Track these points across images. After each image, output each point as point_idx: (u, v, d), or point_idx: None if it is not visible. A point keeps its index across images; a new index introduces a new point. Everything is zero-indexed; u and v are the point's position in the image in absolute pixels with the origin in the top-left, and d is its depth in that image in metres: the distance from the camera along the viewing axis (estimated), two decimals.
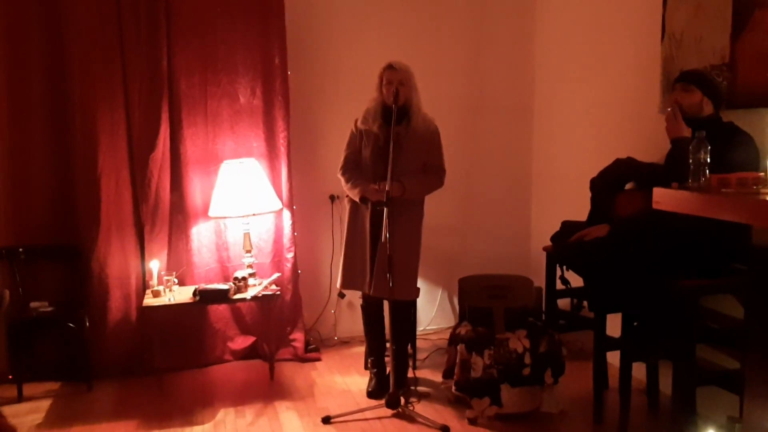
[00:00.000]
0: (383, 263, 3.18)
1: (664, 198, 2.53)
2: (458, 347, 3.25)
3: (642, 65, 3.55)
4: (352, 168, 3.47)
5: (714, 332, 2.89)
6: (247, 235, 3.89)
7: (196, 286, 3.76)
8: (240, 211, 3.81)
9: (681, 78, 2.91)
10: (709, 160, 2.43)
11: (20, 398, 3.57)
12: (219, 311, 4.06)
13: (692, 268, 2.74)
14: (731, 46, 2.94)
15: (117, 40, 3.79)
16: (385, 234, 3.14)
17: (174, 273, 3.81)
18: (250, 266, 3.88)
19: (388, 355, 3.57)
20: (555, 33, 4.45)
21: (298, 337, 4.15)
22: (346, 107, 3.77)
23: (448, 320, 4.56)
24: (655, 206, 2.56)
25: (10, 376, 3.68)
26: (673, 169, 2.73)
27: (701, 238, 2.67)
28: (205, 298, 3.66)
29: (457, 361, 3.25)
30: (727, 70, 2.90)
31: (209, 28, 3.92)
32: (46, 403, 3.53)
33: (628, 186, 3.39)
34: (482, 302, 3.32)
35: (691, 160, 2.46)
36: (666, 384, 3.16)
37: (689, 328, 2.79)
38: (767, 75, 2.79)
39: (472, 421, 3.18)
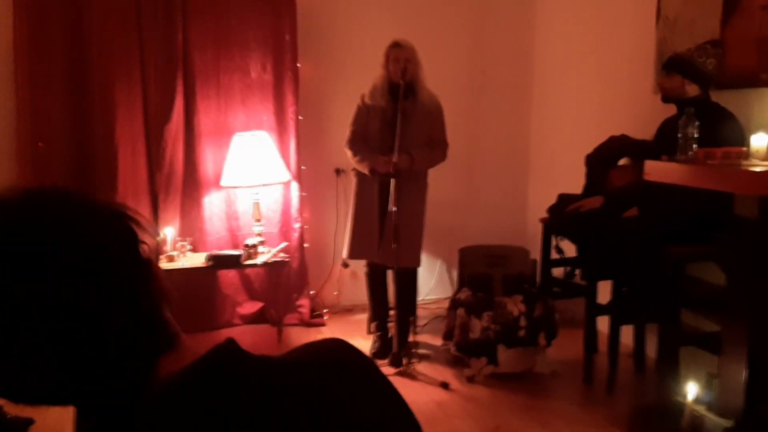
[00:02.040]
0: (390, 232, 3.38)
1: (654, 170, 2.73)
2: (458, 311, 3.46)
3: (637, 47, 3.73)
4: (359, 141, 3.65)
5: (695, 298, 3.11)
6: (256, 205, 4.07)
7: (208, 252, 3.94)
8: (250, 182, 3.99)
9: (663, 65, 3.11)
10: (696, 135, 2.63)
11: None
12: (229, 277, 4.25)
13: (679, 237, 2.94)
14: (721, 30, 3.13)
15: (134, 16, 3.93)
16: (392, 204, 3.33)
17: (188, 239, 3.99)
18: (259, 234, 4.07)
19: (390, 321, 3.78)
20: (555, 15, 4.62)
21: (304, 303, 4.36)
22: (352, 83, 3.94)
23: (446, 291, 4.75)
24: (646, 177, 2.76)
25: None
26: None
27: (687, 208, 2.87)
28: (218, 263, 3.85)
29: (457, 323, 3.45)
30: (712, 48, 3.07)
31: (223, 4, 4.07)
32: None
33: (621, 162, 3.59)
34: (481, 269, 3.52)
35: (680, 135, 2.66)
36: (652, 348, 3.38)
37: (675, 292, 3.01)
38: (753, 58, 2.98)
39: (470, 379, 3.39)
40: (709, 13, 3.19)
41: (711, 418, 2.55)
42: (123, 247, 0.70)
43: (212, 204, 4.20)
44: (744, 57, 3.02)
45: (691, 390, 2.61)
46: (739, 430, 2.47)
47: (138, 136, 4.03)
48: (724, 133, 2.82)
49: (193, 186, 4.16)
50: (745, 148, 2.66)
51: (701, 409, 2.60)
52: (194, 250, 4.09)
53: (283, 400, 0.74)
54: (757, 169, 2.41)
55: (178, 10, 3.98)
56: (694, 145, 2.61)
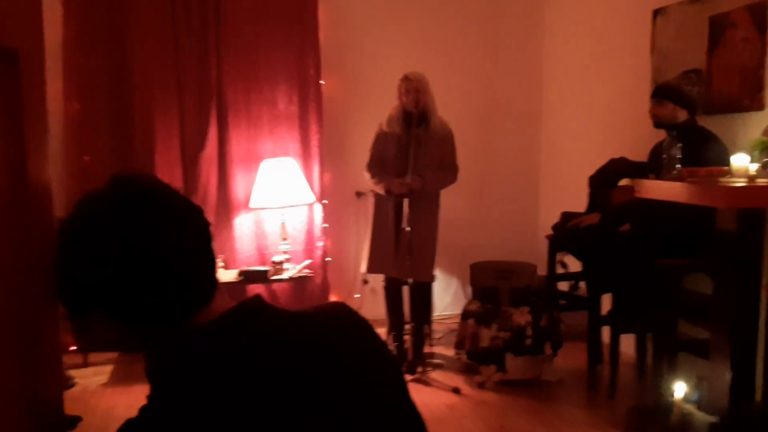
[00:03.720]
0: (405, 248, 3.67)
1: (643, 188, 3.00)
2: (468, 321, 3.72)
3: (635, 76, 4.01)
4: (377, 165, 3.96)
5: (688, 307, 3.33)
6: (283, 225, 4.39)
7: (239, 269, 4.27)
8: (277, 203, 4.32)
9: (653, 93, 3.36)
10: (680, 155, 2.89)
11: (85, 364, 4.09)
12: (257, 292, 4.54)
13: (670, 250, 3.18)
14: (707, 60, 3.40)
15: (173, 53, 4.33)
16: (406, 222, 3.63)
17: (220, 256, 4.32)
18: (285, 252, 4.38)
19: (406, 333, 4.04)
20: (561, 47, 4.94)
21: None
22: (370, 112, 4.27)
23: (460, 306, 4.99)
24: (636, 195, 3.03)
25: (72, 348, 4.20)
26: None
27: (676, 224, 3.11)
28: (248, 278, 4.17)
29: (468, 333, 3.71)
30: (695, 76, 3.34)
31: (253, 42, 4.46)
32: (108, 368, 4.05)
33: (622, 182, 3.84)
34: (490, 282, 3.79)
35: (664, 156, 2.92)
36: (651, 355, 3.59)
37: (671, 302, 3.23)
38: (736, 85, 3.24)
39: (480, 385, 3.64)
40: (697, 45, 3.46)
41: (699, 415, 2.77)
42: (197, 211, 1.00)
43: (242, 225, 4.54)
44: (728, 84, 3.28)
45: (681, 390, 2.83)
46: (723, 425, 2.68)
47: (175, 163, 4.39)
48: (709, 154, 3.07)
49: (225, 208, 4.51)
50: (727, 168, 2.91)
51: (691, 408, 2.82)
52: (225, 267, 4.41)
53: (300, 341, 1.00)
54: (734, 184, 2.66)
55: (212, 48, 4.37)
56: (678, 165, 2.87)
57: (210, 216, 4.40)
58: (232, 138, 4.49)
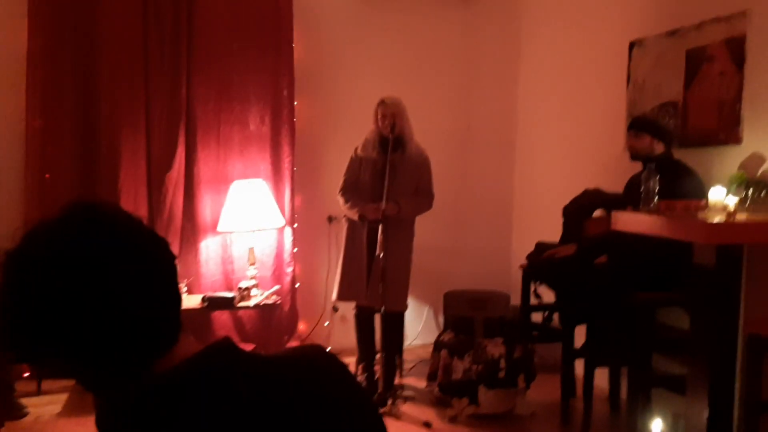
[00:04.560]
0: (378, 275, 3.57)
1: (621, 220, 2.95)
2: (441, 352, 3.62)
3: (611, 108, 4.01)
4: (351, 190, 3.87)
5: (665, 342, 3.29)
6: (251, 250, 4.27)
7: (203, 295, 4.12)
8: (246, 227, 4.20)
9: (631, 125, 3.34)
10: (658, 188, 2.86)
11: (39, 391, 3.88)
12: (222, 319, 4.40)
13: (646, 284, 3.14)
14: (684, 93, 3.40)
15: (142, 69, 4.21)
16: (380, 249, 3.54)
17: (185, 281, 4.17)
18: (253, 278, 4.25)
19: (376, 363, 3.93)
20: (536, 76, 4.93)
21: (294, 345, 4.50)
22: (345, 136, 4.20)
23: (433, 336, 4.87)
24: (613, 227, 2.99)
25: (26, 374, 3.99)
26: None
27: (653, 257, 3.07)
28: (212, 304, 4.02)
29: (440, 365, 3.61)
30: (673, 109, 3.34)
31: (225, 61, 4.36)
32: (63, 396, 3.85)
33: (596, 213, 3.81)
34: (464, 312, 3.71)
35: (642, 188, 2.89)
36: (626, 390, 3.54)
37: (646, 336, 3.19)
38: (713, 119, 3.24)
39: (452, 419, 3.53)
40: (674, 78, 3.47)
41: None
42: (161, 246, 0.89)
43: (209, 248, 4.39)
44: (704, 118, 3.28)
45: (657, 427, 2.77)
46: None
47: (140, 182, 4.25)
48: (685, 187, 3.05)
49: (191, 231, 4.37)
50: (704, 201, 2.89)
51: None
52: (189, 291, 4.26)
53: (272, 390, 0.91)
54: (714, 220, 2.63)
55: (183, 64, 4.26)
56: (656, 198, 2.83)
57: (175, 239, 4.30)
58: (201, 158, 4.36)
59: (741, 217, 2.66)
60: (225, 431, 0.83)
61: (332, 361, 1.00)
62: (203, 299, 4.04)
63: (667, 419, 2.84)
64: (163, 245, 0.89)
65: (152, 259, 0.87)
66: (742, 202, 2.75)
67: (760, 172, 2.93)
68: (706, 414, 2.70)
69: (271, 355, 0.99)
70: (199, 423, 0.82)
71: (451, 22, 4.99)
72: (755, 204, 2.80)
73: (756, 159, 2.96)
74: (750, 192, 2.82)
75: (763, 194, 2.81)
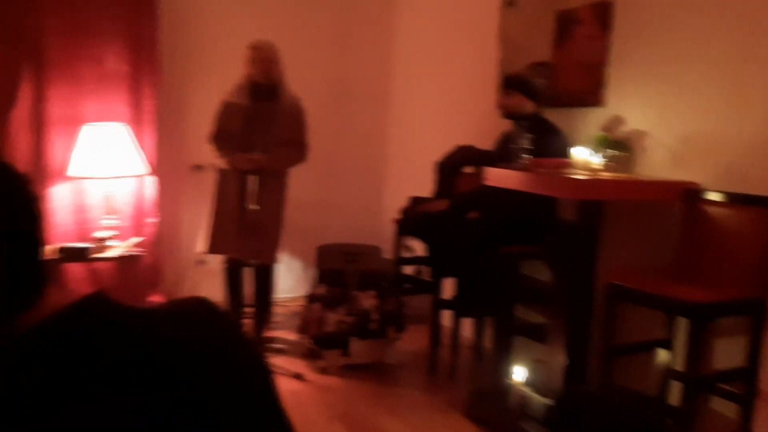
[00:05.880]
0: (250, 228, 3.44)
1: (492, 176, 3.04)
2: (314, 305, 3.59)
3: (482, 65, 4.08)
4: (221, 138, 3.67)
5: (527, 293, 3.46)
6: (108, 198, 3.96)
7: (58, 245, 3.78)
8: (100, 173, 3.87)
9: (504, 84, 3.43)
10: (527, 146, 2.96)
11: None
12: (75, 272, 4.08)
13: (514, 238, 3.27)
14: (553, 54, 3.52)
15: None
16: (253, 201, 3.40)
17: None
18: (111, 228, 3.95)
19: (246, 317, 3.83)
20: (411, 32, 4.92)
21: (156, 300, 4.28)
22: (216, 81, 3.96)
23: (304, 289, 4.85)
24: (484, 182, 3.06)
25: None
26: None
27: (521, 212, 3.20)
28: (68, 255, 3.70)
29: (313, 317, 3.58)
30: (543, 69, 3.46)
31: None
32: None
33: (467, 169, 3.90)
34: (338, 265, 3.68)
35: (513, 145, 2.97)
36: (489, 339, 3.71)
37: (509, 288, 3.34)
38: (579, 80, 3.39)
39: (324, 370, 3.54)
40: (544, 38, 3.57)
41: (536, 397, 2.87)
42: (24, 183, 0.76)
43: (60, 196, 4.02)
44: (572, 79, 3.42)
45: (519, 373, 2.93)
46: (558, 406, 2.80)
47: None
48: (553, 146, 3.17)
49: (39, 176, 3.97)
50: (569, 160, 3.03)
51: (528, 390, 2.92)
52: None
53: (149, 348, 0.81)
54: (578, 177, 2.77)
55: None
56: (526, 155, 2.93)
57: None
58: (50, 97, 3.94)
59: (604, 175, 2.82)
60: (101, 394, 0.73)
61: (218, 314, 0.91)
62: (59, 250, 3.70)
63: (528, 366, 3.00)
64: (23, 181, 0.76)
65: (12, 195, 0.74)
66: (603, 161, 2.91)
67: (620, 133, 3.11)
68: (564, 359, 2.89)
69: (152, 309, 0.89)
70: (69, 384, 0.71)
71: None
72: (615, 163, 2.98)
73: (617, 121, 3.14)
74: (611, 152, 2.99)
75: (622, 154, 3.00)
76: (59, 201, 4.02)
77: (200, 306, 0.91)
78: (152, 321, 0.84)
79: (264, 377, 0.94)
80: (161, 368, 0.78)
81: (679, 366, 2.75)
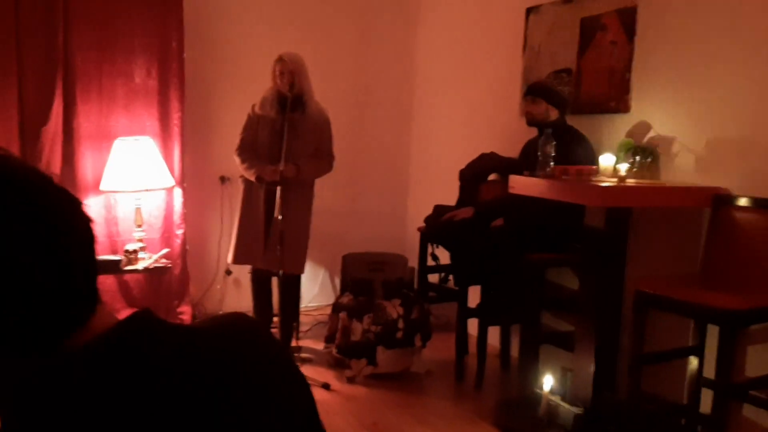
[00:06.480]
0: (276, 238, 3.48)
1: (517, 184, 3.03)
2: (340, 315, 3.61)
3: (507, 73, 4.08)
4: (248, 150, 3.71)
5: (554, 301, 3.45)
6: (138, 210, 4.03)
7: None
8: (131, 186, 3.95)
9: (528, 91, 3.42)
10: (553, 154, 2.95)
11: None
12: (106, 284, 4.15)
13: (540, 245, 3.26)
14: (578, 61, 3.51)
15: (12, 10, 3.79)
16: (278, 212, 3.44)
17: None
18: (140, 240, 4.02)
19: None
20: (434, 40, 4.94)
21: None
22: (241, 93, 4.01)
23: (329, 298, 4.88)
24: (510, 191, 3.06)
25: None
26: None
27: (547, 219, 3.19)
28: (100, 268, 3.75)
29: (339, 327, 3.60)
30: (567, 76, 3.45)
31: (107, 7, 4.02)
32: None
33: (491, 177, 3.91)
34: (363, 275, 3.70)
35: (539, 153, 2.97)
36: (516, 347, 3.69)
37: (536, 296, 3.32)
38: (604, 87, 3.38)
39: (351, 380, 3.55)
40: (569, 45, 3.57)
41: (565, 406, 2.85)
42: (78, 206, 0.78)
43: (91, 209, 4.10)
44: (596, 86, 3.41)
45: (548, 383, 2.91)
46: (587, 415, 2.79)
47: (13, 137, 3.87)
48: (578, 153, 3.17)
49: (70, 190, 4.03)
50: (595, 167, 3.02)
51: (557, 399, 2.90)
52: None
53: (195, 363, 0.83)
54: (604, 184, 2.76)
55: (59, 8, 3.88)
56: (552, 163, 2.93)
57: None
58: (81, 112, 4.03)
59: (630, 182, 2.81)
60: (149, 409, 0.75)
61: (260, 331, 0.94)
62: None
63: (555, 374, 2.99)
64: (77, 205, 0.79)
65: (65, 217, 0.76)
66: (630, 167, 2.90)
67: (646, 139, 3.10)
68: (592, 367, 2.87)
69: (195, 327, 0.91)
70: (121, 400, 0.74)
71: None
72: (641, 170, 2.96)
73: (643, 127, 3.12)
74: (637, 158, 2.98)
75: (648, 160, 2.98)
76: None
77: (242, 322, 0.93)
78: (200, 339, 0.86)
79: (306, 395, 0.96)
80: (214, 387, 0.80)
81: (709, 373, 2.72)
